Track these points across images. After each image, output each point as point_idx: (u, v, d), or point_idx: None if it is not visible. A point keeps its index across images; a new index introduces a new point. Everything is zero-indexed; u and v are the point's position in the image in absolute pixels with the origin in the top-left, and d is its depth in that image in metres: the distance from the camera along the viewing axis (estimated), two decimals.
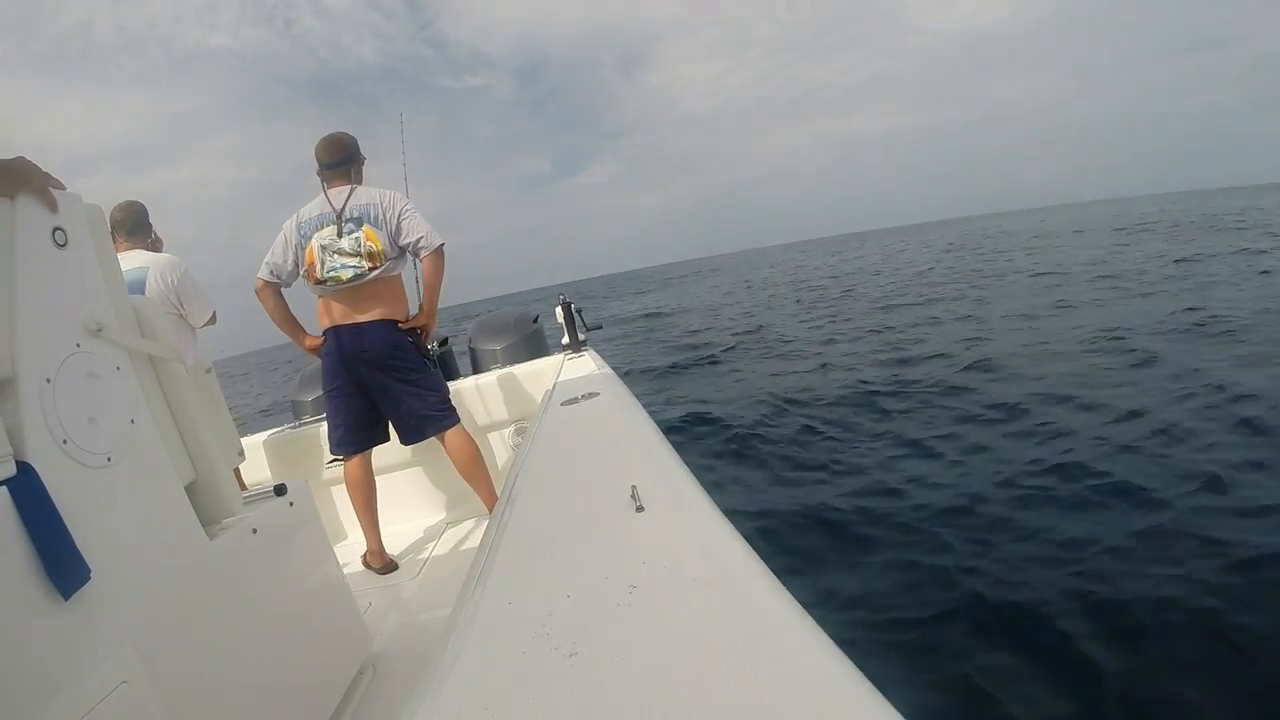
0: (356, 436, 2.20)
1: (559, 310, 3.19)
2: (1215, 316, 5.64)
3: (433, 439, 2.25)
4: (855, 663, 0.51)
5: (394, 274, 2.17)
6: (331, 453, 2.25)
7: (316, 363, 3.30)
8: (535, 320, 3.56)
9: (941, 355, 5.88)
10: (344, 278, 2.04)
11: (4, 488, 0.76)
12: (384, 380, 2.14)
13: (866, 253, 35.16)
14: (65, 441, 0.86)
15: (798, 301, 13.95)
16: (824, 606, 2.13)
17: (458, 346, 3.64)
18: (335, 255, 2.04)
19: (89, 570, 0.82)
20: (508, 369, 3.02)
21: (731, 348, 8.54)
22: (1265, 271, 7.89)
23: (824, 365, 6.36)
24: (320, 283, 2.06)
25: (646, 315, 16.43)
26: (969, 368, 5.23)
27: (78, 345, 0.93)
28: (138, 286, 2.39)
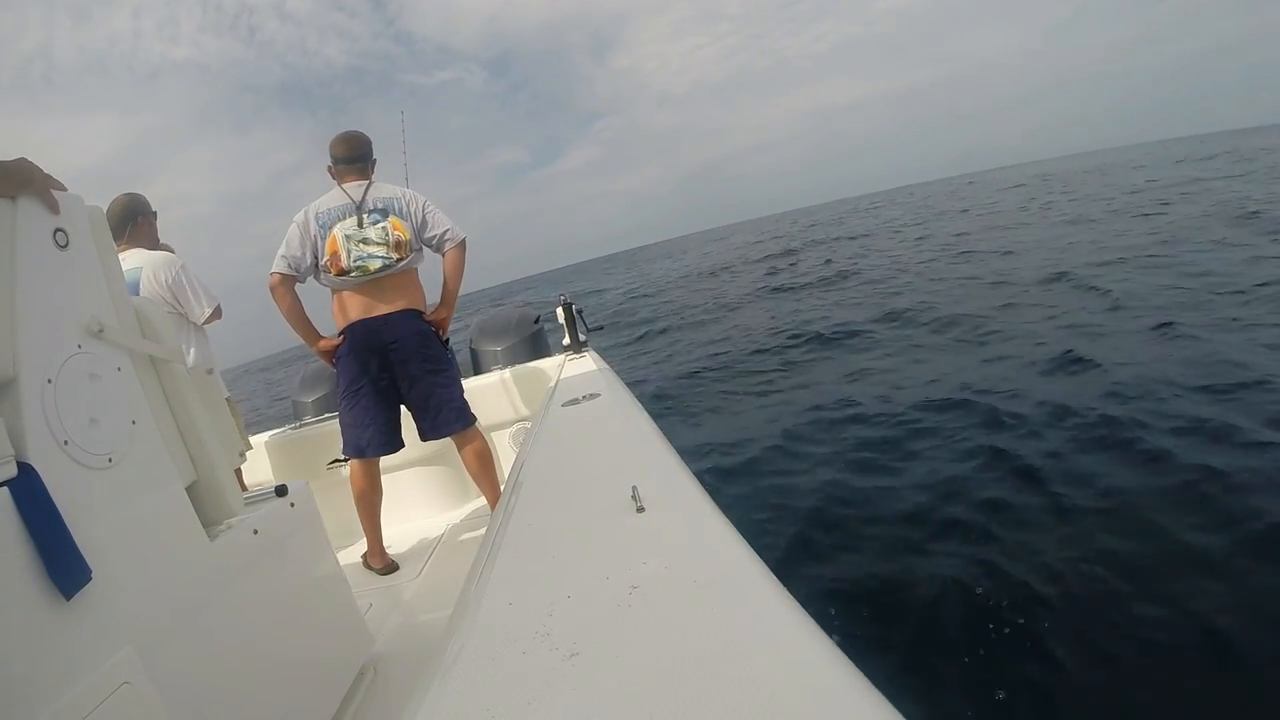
0: (384, 438, 2.13)
1: (560, 311, 3.19)
2: None
3: (439, 439, 2.21)
4: (856, 663, 0.50)
5: (415, 267, 2.17)
6: (353, 456, 2.15)
7: (318, 363, 3.29)
8: (536, 321, 3.56)
9: None
10: (371, 268, 2.02)
11: (5, 488, 0.76)
12: (415, 371, 2.10)
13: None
14: (66, 442, 0.86)
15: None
16: None
17: (459, 347, 3.64)
18: (361, 245, 2.02)
19: (90, 571, 0.82)
20: (509, 369, 3.02)
21: None
22: None
23: None
24: (344, 273, 2.03)
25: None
26: None
27: (79, 346, 0.93)
28: (132, 288, 2.38)
